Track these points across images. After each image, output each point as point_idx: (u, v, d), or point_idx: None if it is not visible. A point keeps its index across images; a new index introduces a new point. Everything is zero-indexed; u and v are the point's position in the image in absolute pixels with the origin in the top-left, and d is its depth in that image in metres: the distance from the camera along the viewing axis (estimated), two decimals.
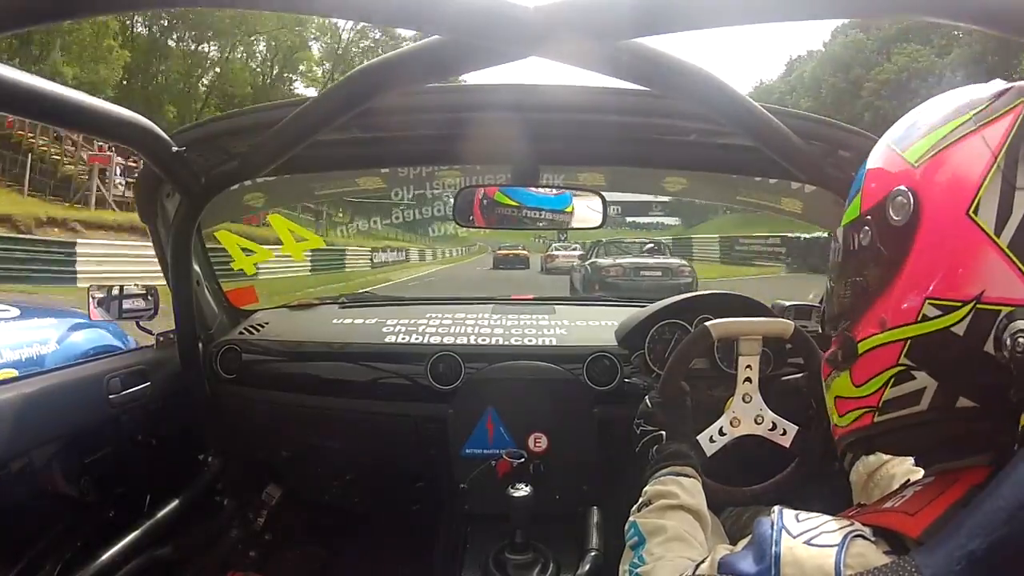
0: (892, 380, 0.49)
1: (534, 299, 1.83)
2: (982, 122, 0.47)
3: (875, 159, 0.54)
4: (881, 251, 0.50)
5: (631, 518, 0.77)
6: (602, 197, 1.32)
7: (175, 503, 1.35)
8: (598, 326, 1.52)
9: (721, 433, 0.95)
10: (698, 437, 0.94)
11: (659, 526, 0.72)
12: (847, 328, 0.53)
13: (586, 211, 1.33)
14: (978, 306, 0.43)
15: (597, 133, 1.21)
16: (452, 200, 1.37)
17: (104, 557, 1.13)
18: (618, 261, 9.04)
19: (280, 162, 1.00)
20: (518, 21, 0.57)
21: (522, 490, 1.11)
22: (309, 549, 1.67)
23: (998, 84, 0.50)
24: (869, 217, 0.51)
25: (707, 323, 0.98)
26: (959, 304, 0.44)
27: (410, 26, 0.60)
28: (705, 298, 1.40)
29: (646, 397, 0.97)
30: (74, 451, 1.14)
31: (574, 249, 13.27)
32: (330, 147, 1.24)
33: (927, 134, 0.49)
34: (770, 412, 0.96)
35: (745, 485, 0.98)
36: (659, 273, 8.72)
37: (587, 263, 9.51)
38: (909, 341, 0.47)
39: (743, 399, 0.97)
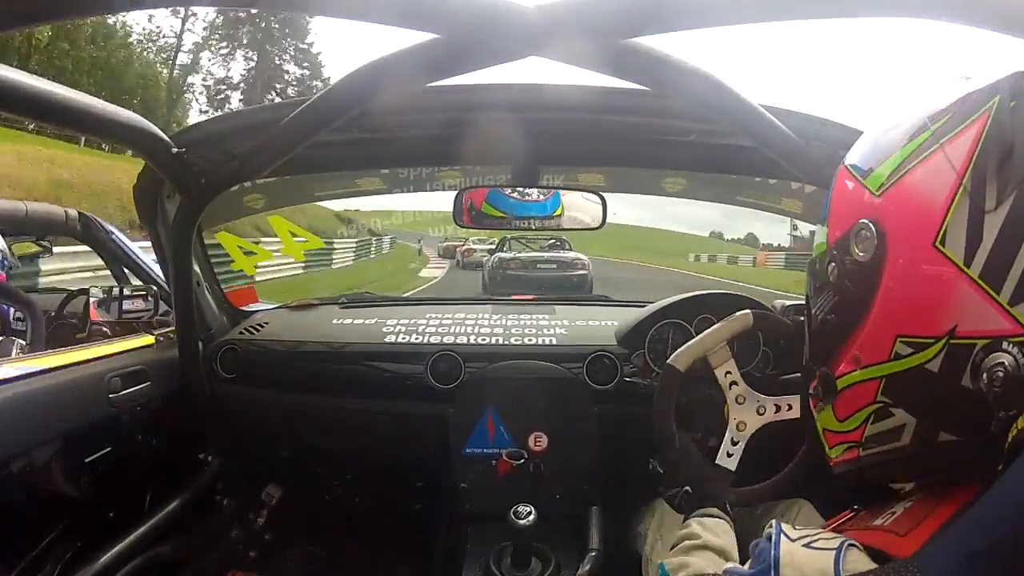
0: (872, 417, 0.47)
1: (534, 299, 1.83)
2: (944, 137, 0.43)
3: (839, 185, 0.51)
4: (849, 288, 0.47)
5: (658, 561, 0.81)
6: (602, 197, 1.32)
7: (175, 503, 1.35)
8: (598, 325, 1.52)
9: (734, 443, 0.96)
10: (717, 460, 0.95)
11: (682, 563, 0.75)
12: (825, 363, 0.52)
13: (583, 211, 1.33)
14: (951, 341, 0.41)
15: (597, 133, 1.21)
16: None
17: (104, 557, 1.13)
18: (517, 255, 9.45)
19: (280, 163, 1.00)
20: (518, 21, 0.57)
21: (526, 519, 1.07)
22: (309, 549, 1.67)
23: (961, 83, 0.46)
24: (835, 252, 0.49)
25: (668, 361, 1.01)
26: (931, 341, 0.42)
27: (410, 26, 0.60)
28: (705, 297, 1.40)
29: (654, 463, 1.00)
30: (74, 451, 1.14)
31: (491, 243, 13.12)
32: (330, 148, 1.24)
33: (888, 156, 0.46)
34: (768, 397, 0.97)
35: (752, 483, 0.99)
36: (554, 266, 9.18)
37: (494, 257, 9.90)
38: (884, 379, 0.46)
39: (736, 402, 0.98)
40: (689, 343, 1.01)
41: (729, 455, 0.95)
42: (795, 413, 0.96)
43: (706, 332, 1.01)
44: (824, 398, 0.52)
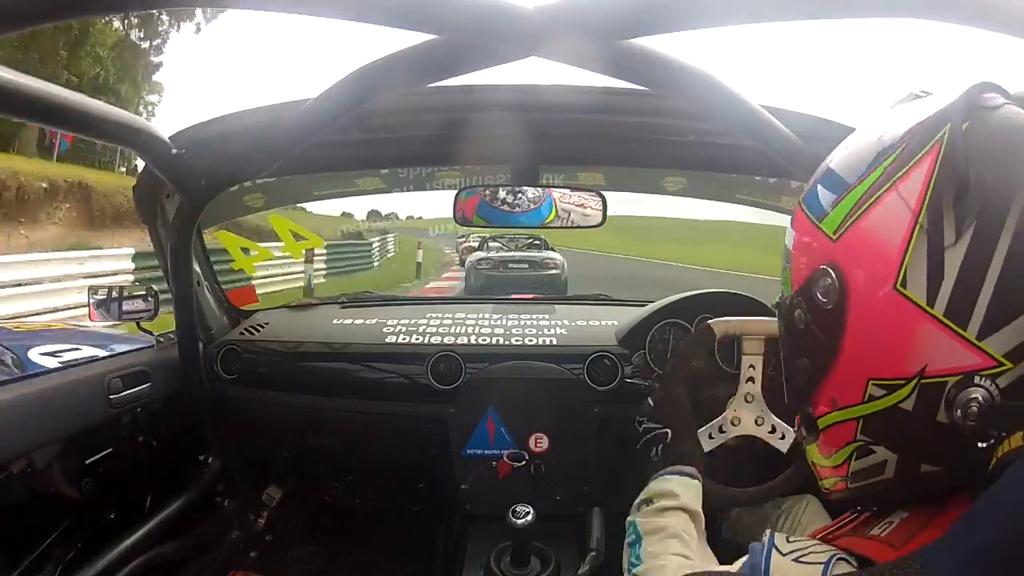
0: (855, 454, 0.48)
1: (534, 299, 1.83)
2: (897, 174, 0.42)
3: (798, 228, 0.50)
4: (817, 334, 0.47)
5: (631, 516, 0.79)
6: (602, 196, 1.32)
7: (176, 503, 1.35)
8: (598, 326, 1.52)
9: (720, 431, 0.94)
10: (698, 431, 0.93)
11: (657, 526, 0.74)
12: (805, 404, 0.52)
13: (581, 212, 1.33)
14: (922, 381, 0.41)
15: (597, 133, 1.21)
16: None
17: (105, 558, 1.13)
18: (489, 255, 9.47)
19: (280, 163, 1.01)
20: (518, 21, 0.57)
21: (525, 518, 1.06)
22: (309, 549, 1.67)
23: (917, 104, 0.45)
24: (800, 298, 0.49)
25: (709, 321, 0.98)
26: (903, 382, 0.41)
27: (409, 26, 0.60)
28: (706, 297, 1.40)
29: (649, 397, 0.97)
30: (75, 452, 1.14)
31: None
32: (330, 148, 1.24)
33: (842, 199, 0.46)
34: (772, 416, 0.95)
35: (746, 486, 0.98)
36: (526, 265, 9.18)
37: (473, 256, 9.95)
38: (861, 419, 0.46)
39: (745, 399, 0.96)
40: (732, 318, 0.98)
41: (710, 437, 0.93)
42: (783, 446, 0.93)
43: (750, 318, 0.99)
44: (807, 437, 0.52)
